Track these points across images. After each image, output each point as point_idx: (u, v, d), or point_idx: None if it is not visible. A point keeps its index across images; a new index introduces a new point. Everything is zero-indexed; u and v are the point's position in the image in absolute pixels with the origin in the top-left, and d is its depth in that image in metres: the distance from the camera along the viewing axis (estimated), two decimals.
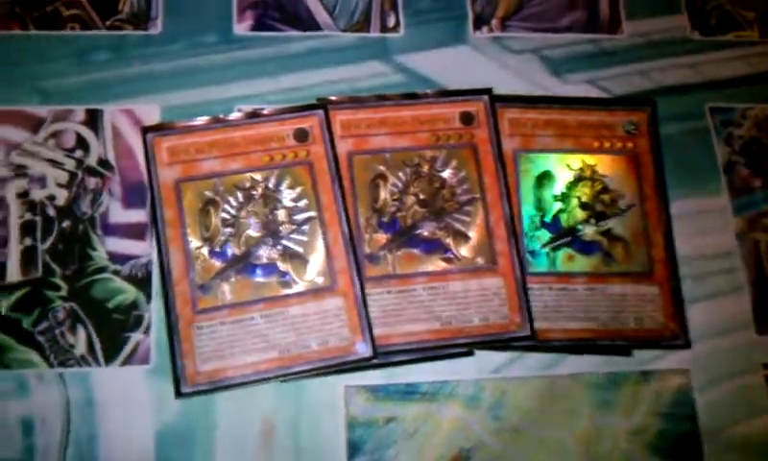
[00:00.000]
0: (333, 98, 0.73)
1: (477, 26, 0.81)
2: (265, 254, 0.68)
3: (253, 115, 0.72)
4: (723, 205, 0.78)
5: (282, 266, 0.68)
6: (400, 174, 0.72)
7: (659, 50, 0.83)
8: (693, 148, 0.79)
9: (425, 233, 0.71)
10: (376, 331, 0.68)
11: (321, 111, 0.72)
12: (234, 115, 0.72)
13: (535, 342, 0.70)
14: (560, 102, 0.78)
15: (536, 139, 0.75)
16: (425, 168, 0.72)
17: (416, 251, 0.70)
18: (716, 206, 0.78)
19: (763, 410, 0.71)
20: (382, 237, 0.70)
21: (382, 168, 0.71)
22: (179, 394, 0.65)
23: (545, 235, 0.73)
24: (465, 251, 0.71)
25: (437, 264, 0.70)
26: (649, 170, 0.76)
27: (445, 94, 0.75)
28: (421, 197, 0.71)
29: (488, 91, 0.75)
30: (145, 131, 0.70)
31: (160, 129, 0.70)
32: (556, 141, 0.76)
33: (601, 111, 0.78)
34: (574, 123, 0.77)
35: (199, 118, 0.71)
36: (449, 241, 0.71)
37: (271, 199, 0.69)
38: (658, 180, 0.76)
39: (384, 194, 0.71)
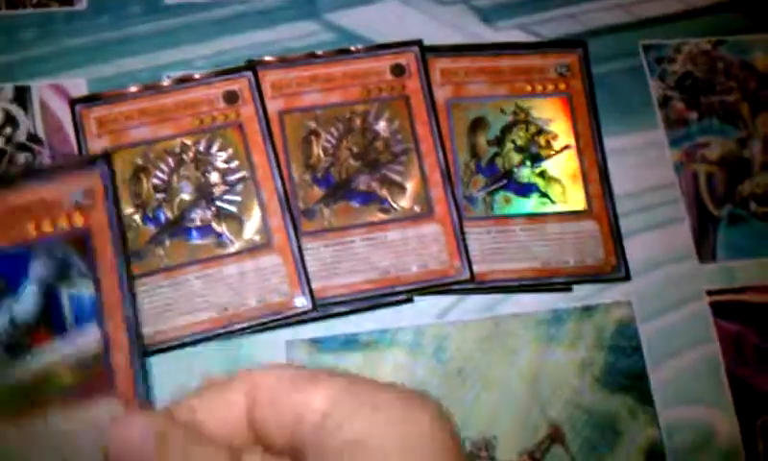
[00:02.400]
0: (262, 59, 0.72)
1: None
2: (199, 216, 0.68)
3: (182, 81, 0.71)
4: (659, 139, 0.78)
5: (217, 227, 0.68)
6: (332, 129, 0.72)
7: None
8: (628, 86, 0.80)
9: (361, 186, 0.71)
10: (315, 285, 0.68)
11: (249, 73, 0.72)
12: (163, 82, 0.71)
13: (475, 285, 0.69)
14: (491, 48, 0.78)
15: (468, 87, 0.76)
16: (358, 122, 0.72)
17: (352, 203, 0.71)
18: (653, 140, 0.78)
19: (709, 337, 0.70)
20: (317, 192, 0.71)
21: (314, 125, 0.72)
22: None
23: (482, 180, 0.73)
24: (401, 201, 0.71)
25: (374, 215, 0.70)
26: (583, 110, 0.76)
27: (376, 48, 0.75)
28: (355, 150, 0.72)
29: (418, 43, 0.75)
30: (73, 103, 0.70)
31: (88, 100, 0.70)
32: (489, 88, 0.76)
33: (533, 55, 0.78)
34: (506, 69, 0.77)
35: (127, 87, 0.70)
36: (385, 192, 0.71)
37: (202, 162, 0.69)
38: (592, 119, 0.76)
39: (317, 150, 0.71)
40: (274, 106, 0.72)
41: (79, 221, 0.63)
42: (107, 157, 0.66)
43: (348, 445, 0.28)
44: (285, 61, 0.74)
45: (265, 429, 0.31)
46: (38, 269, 0.61)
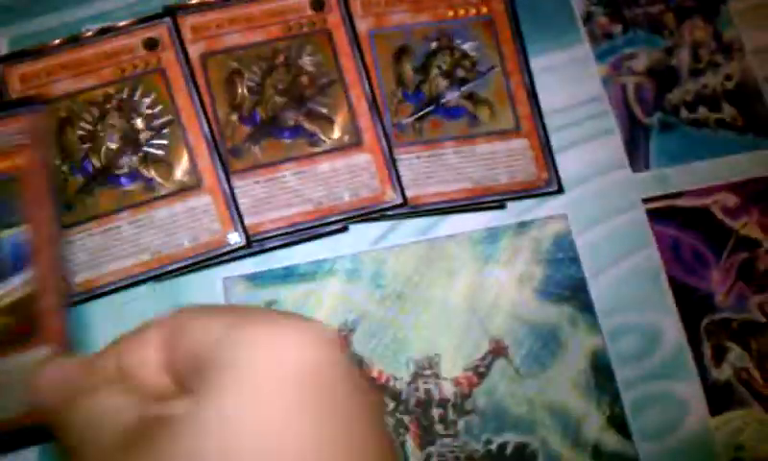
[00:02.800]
0: (180, 4, 0.72)
1: None
2: (127, 163, 0.68)
3: (102, 32, 0.71)
4: (585, 54, 0.78)
5: (146, 172, 0.68)
6: (255, 68, 0.72)
7: None
8: (550, 4, 0.80)
9: (289, 122, 0.71)
10: (249, 221, 0.68)
11: (168, 19, 0.72)
12: (84, 34, 0.71)
13: (408, 209, 0.70)
14: None
15: (390, 17, 0.76)
16: (281, 59, 0.72)
17: (280, 139, 0.71)
18: (578, 56, 0.79)
19: (648, 243, 0.71)
20: (245, 130, 0.71)
21: (236, 65, 0.72)
22: None
23: (410, 108, 0.73)
24: (330, 133, 0.71)
25: (303, 149, 0.71)
26: (506, 31, 0.77)
27: None
28: (280, 87, 0.72)
29: None
30: None
31: (10, 58, 0.70)
32: (411, 16, 0.77)
33: None
34: None
35: (48, 43, 0.70)
36: (314, 126, 0.71)
37: (126, 110, 0.70)
38: (515, 39, 0.77)
39: (241, 89, 0.71)
40: (195, 49, 0.72)
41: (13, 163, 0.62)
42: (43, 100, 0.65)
43: (225, 370, 0.30)
44: (204, 5, 0.73)
45: (180, 374, 0.33)
46: None
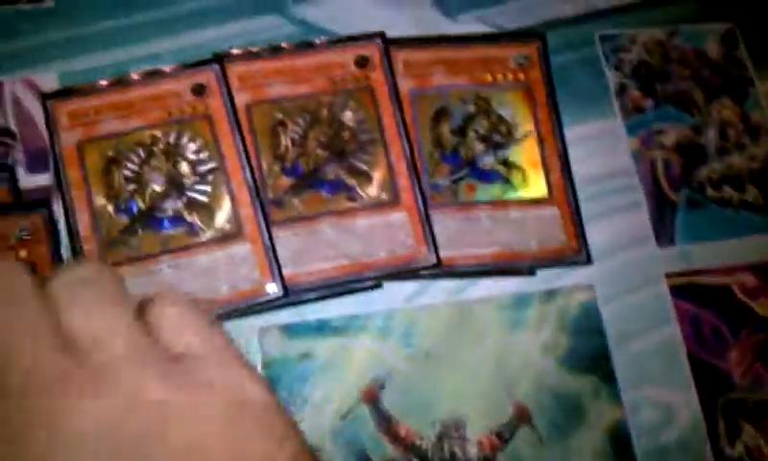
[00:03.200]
0: (229, 52, 0.74)
1: None
2: (171, 206, 0.69)
3: (151, 75, 0.72)
4: (617, 127, 0.80)
5: (188, 217, 0.69)
6: (300, 120, 0.73)
7: None
8: (585, 76, 0.81)
9: (329, 175, 0.72)
10: (286, 272, 0.69)
11: (216, 66, 0.73)
12: (132, 76, 0.72)
13: (441, 270, 0.71)
14: (451, 40, 0.80)
15: (430, 78, 0.77)
16: (324, 113, 0.74)
17: (321, 192, 0.72)
18: (610, 128, 0.80)
19: (669, 318, 0.73)
20: (286, 182, 0.72)
21: (281, 116, 0.73)
22: None
23: (446, 169, 0.75)
24: (368, 189, 0.73)
25: (342, 204, 0.72)
26: (542, 100, 0.78)
27: (339, 40, 0.76)
28: (322, 141, 0.73)
29: (381, 35, 0.77)
30: (45, 97, 0.71)
31: (60, 94, 0.71)
32: (450, 78, 0.78)
33: (492, 47, 0.80)
34: (466, 60, 0.79)
35: (97, 81, 0.71)
36: (353, 181, 0.73)
37: (172, 153, 0.71)
38: (551, 108, 0.78)
39: (285, 140, 0.73)
40: (241, 98, 0.74)
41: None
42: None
43: None
44: (251, 54, 0.75)
45: None
46: None
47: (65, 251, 0.69)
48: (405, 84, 0.76)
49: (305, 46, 0.76)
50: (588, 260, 0.74)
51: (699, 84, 0.82)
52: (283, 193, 0.71)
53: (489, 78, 0.78)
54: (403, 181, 0.73)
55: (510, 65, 0.79)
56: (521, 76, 0.78)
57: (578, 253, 0.74)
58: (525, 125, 0.77)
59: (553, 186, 0.76)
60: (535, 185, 0.76)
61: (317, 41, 0.76)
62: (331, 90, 0.74)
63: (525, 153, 0.76)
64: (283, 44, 0.76)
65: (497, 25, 0.82)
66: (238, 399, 0.28)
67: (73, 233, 0.68)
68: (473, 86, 0.78)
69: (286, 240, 0.70)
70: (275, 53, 0.75)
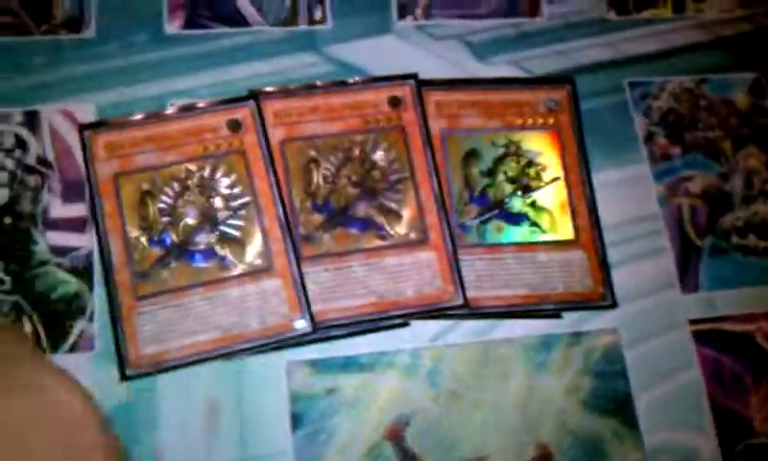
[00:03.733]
0: (264, 89, 0.75)
1: (401, 15, 0.83)
2: (203, 240, 0.70)
3: (187, 109, 0.73)
4: (644, 173, 0.81)
5: (221, 251, 0.70)
6: (332, 158, 0.75)
7: (577, 30, 0.86)
8: (614, 121, 0.83)
9: (359, 213, 0.74)
10: (315, 308, 0.70)
11: (252, 102, 0.75)
12: (168, 110, 0.73)
13: (468, 310, 0.72)
14: (483, 83, 0.81)
15: (461, 119, 0.79)
16: (356, 151, 0.75)
17: (351, 230, 0.73)
18: (637, 174, 0.81)
19: (691, 363, 0.73)
20: (317, 219, 0.73)
21: (314, 153, 0.74)
22: (123, 377, 0.67)
23: (474, 210, 0.76)
24: (398, 228, 0.74)
25: (372, 242, 0.73)
26: (571, 143, 0.79)
27: (373, 80, 0.78)
28: (354, 179, 0.74)
29: (414, 76, 0.78)
30: (82, 128, 0.72)
31: (97, 126, 0.73)
32: (481, 121, 0.79)
33: (522, 90, 0.81)
34: (497, 102, 0.80)
35: (134, 114, 0.73)
36: (382, 219, 0.74)
37: (207, 187, 0.72)
38: (579, 152, 0.79)
39: (317, 178, 0.74)
40: (275, 134, 0.75)
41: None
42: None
43: None
44: (286, 92, 0.76)
45: None
46: None
47: (98, 281, 0.69)
48: (436, 125, 0.78)
49: (340, 85, 0.77)
50: (614, 305, 0.74)
51: (726, 132, 0.83)
52: (314, 229, 0.73)
53: (519, 121, 0.79)
54: (432, 220, 0.74)
55: (540, 109, 0.80)
56: (551, 120, 0.79)
57: (604, 297, 0.74)
58: (554, 168, 0.77)
59: (580, 230, 0.76)
60: (562, 228, 0.77)
61: (350, 81, 0.77)
62: (364, 129, 0.76)
63: (553, 196, 0.77)
64: (318, 82, 0.76)
65: (527, 69, 0.82)
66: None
67: (106, 263, 0.69)
68: (503, 129, 0.79)
69: (316, 276, 0.71)
70: (309, 91, 0.76)
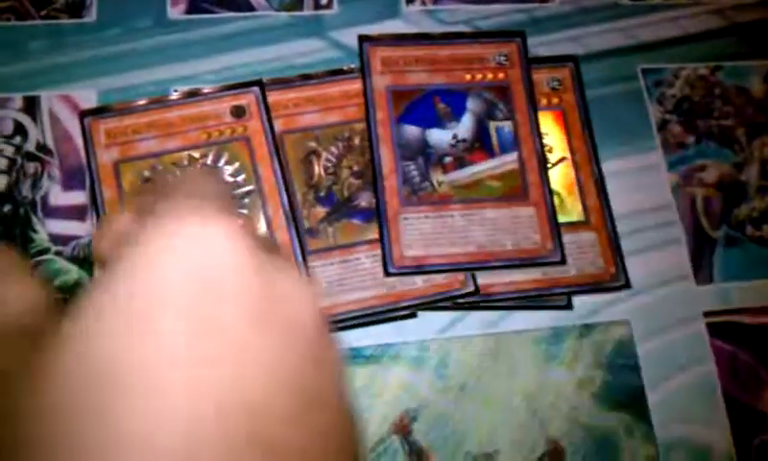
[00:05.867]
0: (265, 79, 0.73)
1: (410, 0, 0.81)
2: None
3: (190, 95, 0.72)
4: (657, 161, 0.79)
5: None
6: (333, 148, 0.72)
7: (590, 16, 0.84)
8: (627, 109, 0.81)
9: (363, 204, 0.72)
10: (322, 301, 0.68)
11: (257, 88, 0.73)
12: (171, 96, 0.71)
13: (479, 298, 0.70)
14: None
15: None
16: (357, 141, 0.73)
17: (355, 221, 0.71)
18: (650, 163, 0.79)
19: (705, 357, 0.72)
20: (321, 211, 0.71)
21: (314, 144, 0.73)
22: None
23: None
24: None
25: (377, 232, 0.71)
26: (576, 124, 0.78)
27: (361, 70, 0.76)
28: (355, 169, 0.72)
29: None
30: (82, 114, 0.71)
31: (97, 112, 0.71)
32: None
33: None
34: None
35: (136, 100, 0.71)
36: None
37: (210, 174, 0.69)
38: (586, 133, 0.77)
39: (318, 169, 0.72)
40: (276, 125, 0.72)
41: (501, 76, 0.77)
42: None
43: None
44: (281, 82, 0.74)
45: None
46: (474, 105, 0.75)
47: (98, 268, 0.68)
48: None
49: (336, 74, 0.75)
50: (627, 285, 0.72)
51: (741, 121, 0.81)
52: (318, 222, 0.70)
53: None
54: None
55: (543, 89, 0.78)
56: (555, 99, 0.78)
57: (616, 277, 0.72)
58: (560, 149, 0.76)
59: (590, 211, 0.75)
60: (571, 211, 0.74)
61: (345, 69, 0.75)
62: (364, 118, 0.73)
63: (561, 177, 0.75)
64: (312, 72, 0.75)
65: (535, 53, 0.80)
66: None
67: None
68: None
69: (322, 269, 0.69)
70: (304, 81, 0.74)
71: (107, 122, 0.71)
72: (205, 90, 0.72)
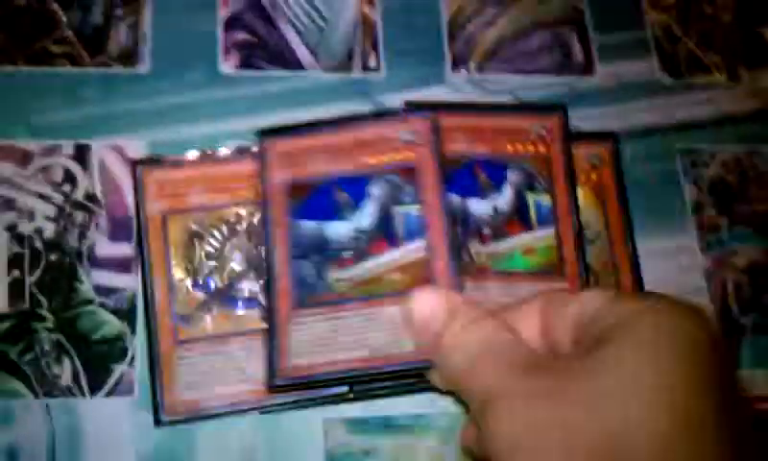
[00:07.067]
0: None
1: (455, 67, 0.83)
2: (247, 287, 0.69)
3: (240, 151, 0.73)
4: (691, 244, 0.80)
5: (263, 300, 0.69)
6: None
7: (629, 92, 0.85)
8: (662, 189, 0.81)
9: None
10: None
11: None
12: (222, 151, 0.72)
13: None
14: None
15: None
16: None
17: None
18: (685, 245, 0.80)
19: None
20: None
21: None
22: (157, 423, 0.66)
23: None
24: None
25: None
26: (613, 200, 0.78)
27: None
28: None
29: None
30: (135, 163, 0.72)
31: (150, 162, 0.72)
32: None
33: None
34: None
35: (187, 153, 0.72)
36: None
37: (255, 233, 0.71)
38: (621, 209, 0.78)
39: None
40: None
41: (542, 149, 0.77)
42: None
43: (609, 327, 0.39)
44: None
45: (554, 335, 0.45)
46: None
47: (140, 322, 0.69)
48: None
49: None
50: None
51: None
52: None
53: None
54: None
55: (583, 165, 0.78)
56: (593, 176, 0.78)
57: None
58: (596, 225, 0.76)
59: (623, 290, 0.76)
60: (605, 286, 0.75)
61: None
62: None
63: (596, 254, 0.76)
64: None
65: (578, 128, 0.81)
66: None
67: (149, 305, 0.68)
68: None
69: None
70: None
71: (158, 173, 0.72)
72: (255, 148, 0.73)
